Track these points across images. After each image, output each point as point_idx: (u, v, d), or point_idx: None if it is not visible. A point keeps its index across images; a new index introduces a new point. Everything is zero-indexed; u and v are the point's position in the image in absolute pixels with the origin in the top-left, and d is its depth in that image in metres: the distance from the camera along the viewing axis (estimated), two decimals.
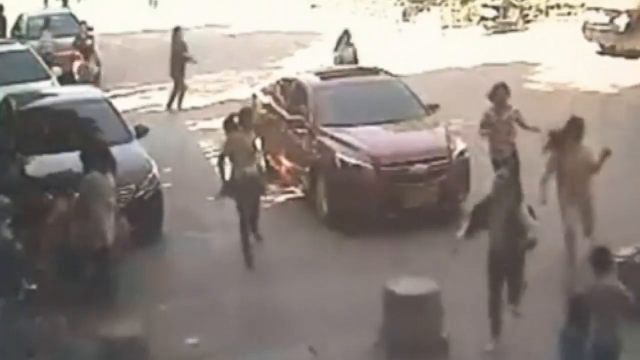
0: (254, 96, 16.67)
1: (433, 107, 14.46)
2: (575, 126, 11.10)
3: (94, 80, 21.76)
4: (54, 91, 16.59)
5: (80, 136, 12.72)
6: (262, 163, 15.14)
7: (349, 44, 20.28)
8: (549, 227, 10.17)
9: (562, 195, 11.11)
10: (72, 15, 26.62)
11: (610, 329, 7.69)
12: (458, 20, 30.25)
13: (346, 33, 20.53)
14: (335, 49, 20.53)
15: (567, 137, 11.06)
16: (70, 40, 23.46)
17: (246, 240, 12.13)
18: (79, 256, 10.50)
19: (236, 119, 12.47)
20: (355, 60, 20.08)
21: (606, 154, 10.68)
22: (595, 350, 7.67)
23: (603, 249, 8.11)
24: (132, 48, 27.09)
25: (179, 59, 20.58)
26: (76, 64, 22.38)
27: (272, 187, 14.85)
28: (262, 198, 12.93)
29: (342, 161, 13.07)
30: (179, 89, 20.76)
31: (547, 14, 30.11)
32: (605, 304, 7.70)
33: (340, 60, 20.10)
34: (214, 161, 16.39)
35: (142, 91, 22.55)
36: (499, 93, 12.84)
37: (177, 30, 20.86)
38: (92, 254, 10.49)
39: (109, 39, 29.29)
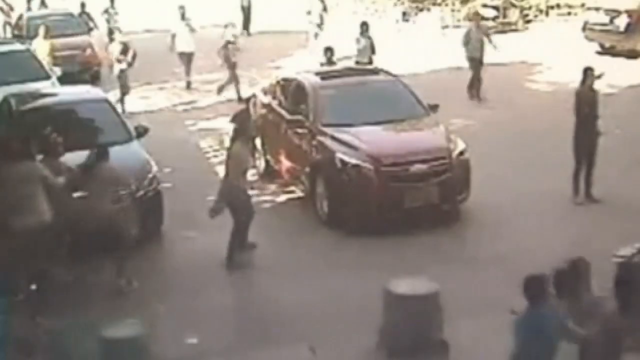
0: (254, 96, 16.67)
1: (433, 107, 14.45)
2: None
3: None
4: (54, 91, 16.58)
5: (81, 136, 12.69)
6: (262, 163, 15.32)
7: None
8: None
9: None
10: (72, 15, 26.61)
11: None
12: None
13: None
14: None
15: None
16: (70, 40, 23.46)
17: (235, 247, 12.00)
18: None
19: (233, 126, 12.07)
20: None
21: None
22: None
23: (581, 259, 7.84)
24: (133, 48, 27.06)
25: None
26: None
27: (272, 187, 14.89)
28: (262, 198, 12.90)
29: (342, 161, 13.06)
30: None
31: (547, 14, 30.13)
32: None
33: None
34: (214, 161, 16.50)
35: (143, 91, 22.55)
36: None
37: None
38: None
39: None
